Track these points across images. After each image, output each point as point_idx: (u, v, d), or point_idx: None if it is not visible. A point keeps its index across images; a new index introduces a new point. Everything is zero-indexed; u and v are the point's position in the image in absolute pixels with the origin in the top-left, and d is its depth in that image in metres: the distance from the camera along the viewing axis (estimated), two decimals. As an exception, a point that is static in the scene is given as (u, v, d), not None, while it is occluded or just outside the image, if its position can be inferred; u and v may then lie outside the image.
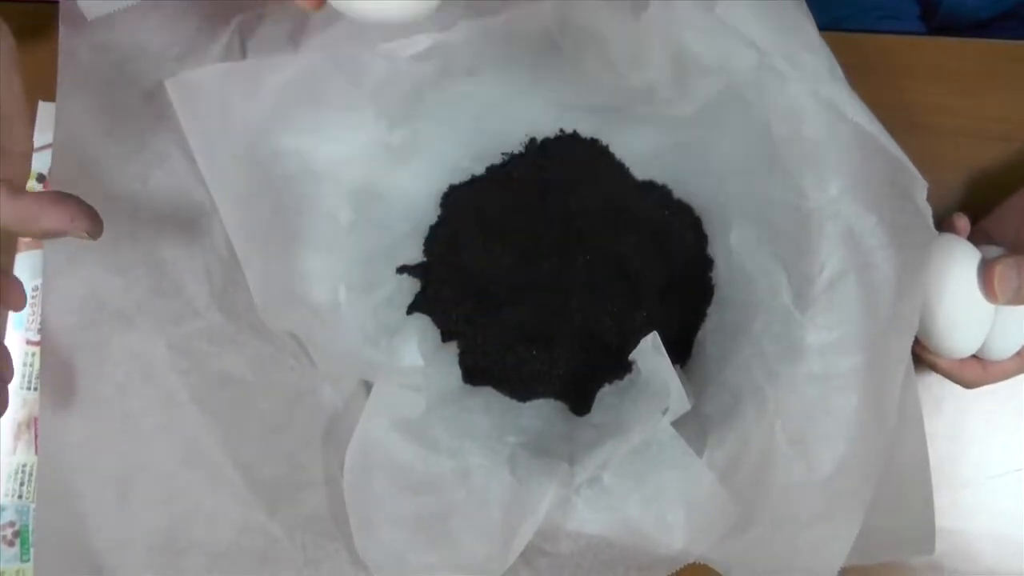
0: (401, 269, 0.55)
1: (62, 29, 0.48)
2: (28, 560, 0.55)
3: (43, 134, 0.58)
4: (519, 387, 0.55)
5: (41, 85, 0.56)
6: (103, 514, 0.46)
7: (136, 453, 0.46)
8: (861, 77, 0.61)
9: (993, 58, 0.66)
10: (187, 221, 0.48)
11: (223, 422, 0.47)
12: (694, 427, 0.48)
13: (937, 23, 0.83)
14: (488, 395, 0.54)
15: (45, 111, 0.57)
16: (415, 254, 0.56)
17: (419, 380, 0.49)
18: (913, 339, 0.46)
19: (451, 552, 0.45)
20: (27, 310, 0.58)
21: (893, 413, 0.45)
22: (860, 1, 0.82)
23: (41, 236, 0.40)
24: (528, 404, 0.54)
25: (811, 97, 0.45)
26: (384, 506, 0.46)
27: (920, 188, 0.44)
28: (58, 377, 0.46)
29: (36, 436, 0.57)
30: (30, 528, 0.56)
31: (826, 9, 0.80)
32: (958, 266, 0.51)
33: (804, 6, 0.46)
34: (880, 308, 0.46)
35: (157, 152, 0.48)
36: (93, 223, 0.40)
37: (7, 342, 0.51)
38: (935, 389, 0.58)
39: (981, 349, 0.53)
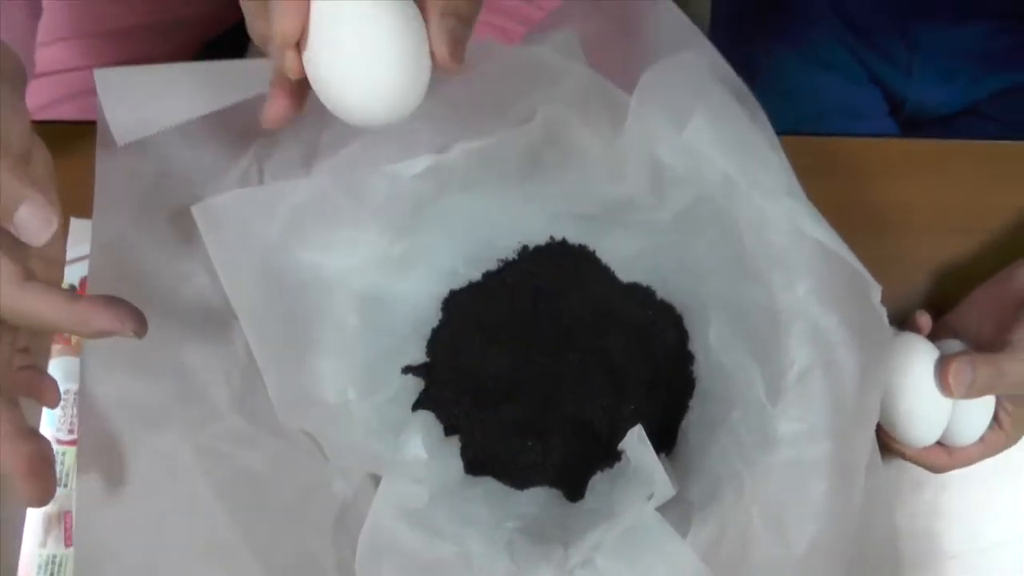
0: (406, 370, 0.59)
1: (99, 153, 0.52)
2: None
3: (74, 248, 0.63)
4: (516, 476, 0.58)
5: (72, 202, 0.61)
6: None
7: (163, 545, 0.49)
8: (829, 177, 0.67)
9: (951, 156, 0.71)
10: (210, 331, 0.52)
11: (243, 514, 0.50)
12: (679, 511, 0.51)
13: (904, 119, 0.89)
14: (488, 484, 0.57)
15: (75, 227, 0.62)
16: (419, 355, 0.60)
17: (423, 473, 0.53)
18: (875, 427, 0.49)
19: None
20: (59, 411, 0.62)
21: (859, 495, 0.48)
22: (830, 100, 0.88)
23: (91, 336, 0.45)
24: (525, 492, 0.58)
25: (774, 208, 0.49)
26: None
27: (875, 291, 0.48)
28: (92, 475, 0.49)
29: (66, 529, 0.61)
30: None
31: (797, 108, 0.87)
32: (917, 363, 0.56)
33: (760, 129, 0.51)
34: (844, 400, 0.49)
35: (183, 268, 0.52)
36: (139, 324, 0.45)
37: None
38: (915, 470, 0.61)
39: (945, 437, 0.57)
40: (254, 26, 0.42)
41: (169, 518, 0.50)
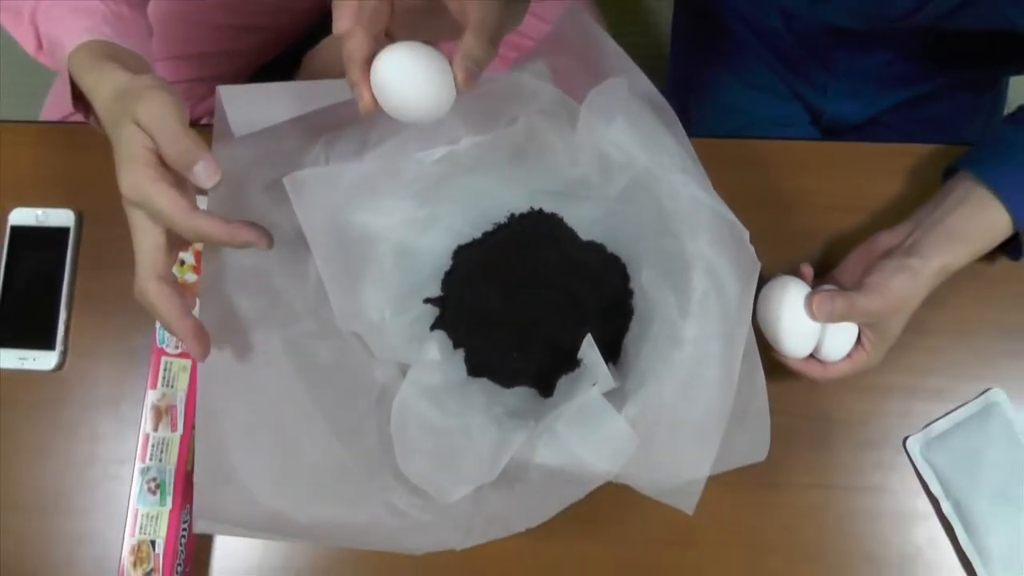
0: (426, 300, 0.76)
1: (214, 145, 0.68)
2: (165, 504, 0.78)
3: None
4: (504, 378, 0.75)
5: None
6: (238, 448, 0.67)
7: (260, 409, 0.68)
8: (757, 170, 0.84)
9: (850, 155, 0.86)
10: (292, 262, 0.70)
11: (314, 388, 0.68)
12: (618, 398, 0.67)
13: (823, 126, 1.02)
14: (484, 383, 0.75)
15: None
16: (435, 290, 0.77)
17: (438, 367, 0.73)
18: (748, 330, 0.64)
19: (458, 470, 0.66)
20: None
21: (736, 376, 0.64)
22: (763, 112, 1.02)
23: (240, 246, 0.61)
24: (511, 389, 0.75)
25: (680, 184, 0.66)
26: (416, 443, 0.67)
27: (745, 235, 0.64)
28: (210, 361, 0.66)
29: (172, 419, 0.79)
30: (167, 483, 0.78)
31: (738, 119, 1.02)
32: (793, 297, 0.72)
33: (666, 126, 0.67)
34: (728, 312, 0.65)
35: (273, 221, 0.68)
36: (269, 240, 0.62)
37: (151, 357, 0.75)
38: (812, 389, 0.78)
39: (819, 354, 0.73)
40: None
41: (264, 388, 0.68)
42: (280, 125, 0.69)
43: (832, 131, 1.04)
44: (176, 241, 0.63)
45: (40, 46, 0.75)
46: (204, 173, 0.61)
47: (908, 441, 0.79)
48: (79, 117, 0.77)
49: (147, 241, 0.62)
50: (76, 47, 0.69)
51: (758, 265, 0.65)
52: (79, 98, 0.73)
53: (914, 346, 0.80)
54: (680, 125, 0.69)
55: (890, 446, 0.80)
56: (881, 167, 0.85)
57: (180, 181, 0.62)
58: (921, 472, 0.79)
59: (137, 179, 0.60)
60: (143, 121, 0.61)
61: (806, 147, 0.89)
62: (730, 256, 0.67)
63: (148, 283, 0.62)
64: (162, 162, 0.61)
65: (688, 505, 0.66)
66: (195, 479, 0.67)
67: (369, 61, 0.58)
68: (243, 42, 1.14)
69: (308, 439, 0.68)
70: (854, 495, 0.79)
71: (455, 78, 0.59)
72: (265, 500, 0.67)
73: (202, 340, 0.64)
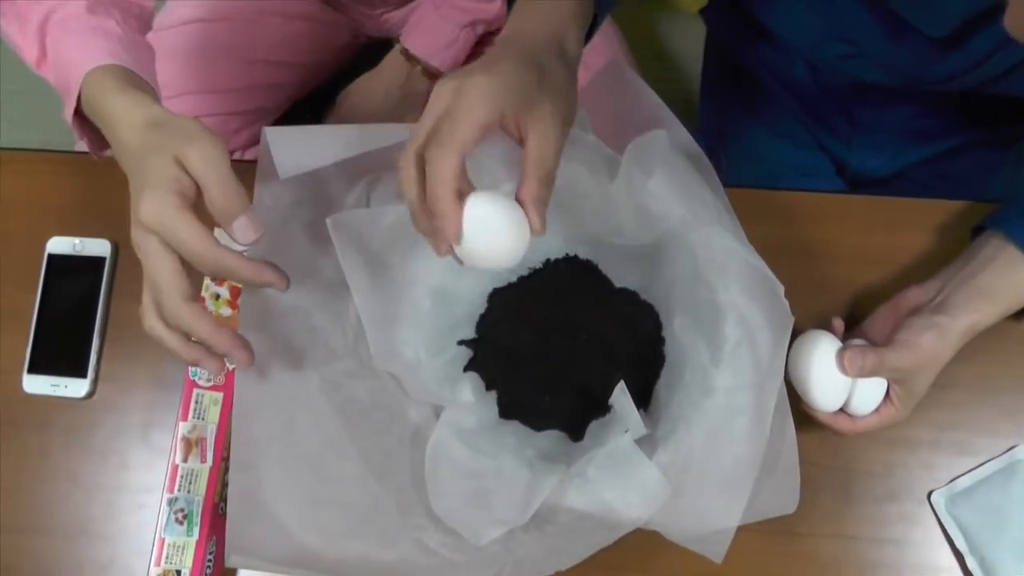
0: (461, 342, 0.77)
1: (257, 184, 0.70)
2: (192, 535, 0.78)
3: None
4: (536, 422, 0.75)
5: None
6: (273, 480, 0.68)
7: (295, 444, 0.69)
8: (780, 220, 0.84)
9: (877, 208, 0.86)
10: (332, 302, 0.71)
11: (350, 426, 0.69)
12: (649, 445, 0.68)
13: (848, 178, 1.02)
14: (515, 425, 0.75)
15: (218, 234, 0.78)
16: (470, 332, 0.78)
17: (472, 409, 0.73)
18: (780, 383, 0.65)
19: (491, 512, 0.66)
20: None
21: (768, 426, 0.64)
22: (786, 161, 1.02)
23: (259, 285, 0.61)
24: (541, 432, 0.75)
25: (715, 236, 0.67)
26: (449, 484, 0.67)
27: (780, 288, 0.65)
28: (248, 397, 0.68)
29: (202, 451, 0.79)
30: (194, 513, 0.78)
31: (760, 168, 1.02)
32: (824, 351, 0.72)
33: (704, 180, 0.68)
34: (760, 363, 0.66)
35: (312, 264, 0.71)
36: (287, 281, 0.62)
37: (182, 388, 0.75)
38: (836, 440, 0.77)
39: (848, 408, 0.73)
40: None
41: (299, 425, 0.69)
42: (322, 170, 0.71)
43: (857, 183, 1.04)
44: (190, 271, 0.62)
45: (43, 58, 0.74)
46: (245, 228, 0.60)
47: (933, 495, 0.79)
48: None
49: (164, 266, 0.60)
50: (93, 68, 0.69)
51: (792, 319, 0.66)
52: (79, 117, 0.72)
53: (939, 400, 0.79)
54: (716, 175, 0.71)
55: (913, 499, 0.79)
56: (908, 221, 0.85)
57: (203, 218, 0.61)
58: (946, 527, 0.78)
59: (162, 206, 0.59)
60: (193, 163, 0.60)
61: (832, 199, 0.89)
62: (763, 307, 0.67)
63: (179, 306, 0.60)
64: (188, 198, 0.60)
65: (717, 553, 0.66)
66: (228, 512, 0.68)
67: (463, 195, 0.59)
68: (281, 77, 1.15)
69: (342, 475, 0.69)
70: (876, 547, 0.78)
71: (530, 224, 0.61)
72: (296, 533, 0.68)
73: (246, 346, 0.63)
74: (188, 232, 0.59)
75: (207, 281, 0.83)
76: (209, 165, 0.60)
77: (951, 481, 0.79)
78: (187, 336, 0.63)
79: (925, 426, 0.80)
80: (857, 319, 0.80)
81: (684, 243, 0.70)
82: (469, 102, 0.59)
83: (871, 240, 0.85)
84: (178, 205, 0.59)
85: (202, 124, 0.63)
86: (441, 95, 0.60)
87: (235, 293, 0.83)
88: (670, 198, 0.68)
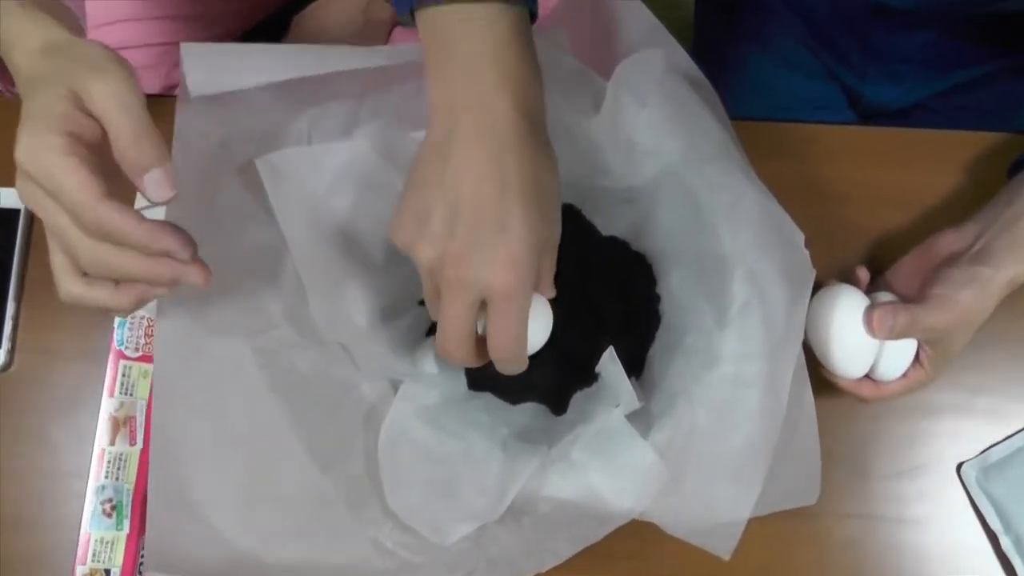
0: (422, 302, 0.66)
1: (178, 116, 0.61)
2: (122, 529, 0.70)
3: (141, 199, 0.69)
4: (511, 394, 0.68)
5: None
6: (201, 473, 0.59)
7: (226, 428, 0.60)
8: (789, 156, 0.77)
9: (895, 142, 0.79)
10: (267, 260, 0.62)
11: (290, 406, 0.60)
12: (643, 421, 0.61)
13: (861, 112, 0.96)
14: (487, 398, 0.67)
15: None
16: None
17: (435, 381, 0.64)
18: (799, 348, 0.58)
19: (456, 505, 0.59)
20: (127, 332, 0.72)
21: (784, 401, 0.57)
22: (795, 94, 0.95)
23: (155, 252, 0.51)
24: (518, 407, 0.67)
25: (720, 173, 0.59)
26: (408, 472, 0.60)
27: (799, 237, 0.57)
28: (169, 373, 0.59)
29: (131, 431, 0.71)
30: (124, 504, 0.70)
31: (768, 101, 0.95)
32: (849, 309, 0.64)
33: (709, 107, 0.60)
34: (775, 327, 0.58)
35: (246, 211, 0.62)
36: (193, 248, 0.52)
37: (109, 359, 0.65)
38: (852, 404, 0.69)
39: (873, 373, 0.66)
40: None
41: (231, 406, 0.60)
42: (257, 98, 0.61)
43: (871, 117, 0.97)
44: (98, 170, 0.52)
45: None
46: (159, 184, 0.51)
47: (963, 468, 0.72)
48: None
49: (65, 184, 0.50)
50: None
51: (813, 273, 0.58)
52: None
53: (969, 361, 0.72)
54: (722, 107, 0.62)
55: (940, 473, 0.73)
56: (933, 157, 0.79)
57: (98, 163, 0.51)
58: (977, 503, 0.72)
59: (41, 148, 0.50)
60: (97, 100, 0.51)
61: (849, 133, 0.81)
62: (777, 259, 0.59)
63: (95, 209, 0.50)
64: (80, 139, 0.51)
65: (724, 549, 0.59)
66: (148, 515, 0.59)
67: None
68: (228, 4, 1.05)
69: (282, 466, 0.60)
70: (898, 528, 0.72)
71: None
72: (231, 537, 0.59)
73: (192, 243, 0.53)
74: (68, 180, 0.49)
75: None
76: (116, 103, 0.51)
77: (983, 452, 0.73)
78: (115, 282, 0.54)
79: (954, 389, 0.74)
80: (879, 269, 0.72)
81: (683, 183, 0.62)
82: None
83: (893, 178, 0.78)
84: (60, 148, 0.49)
85: (110, 52, 0.53)
86: None
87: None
88: (667, 130, 0.60)
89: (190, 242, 0.53)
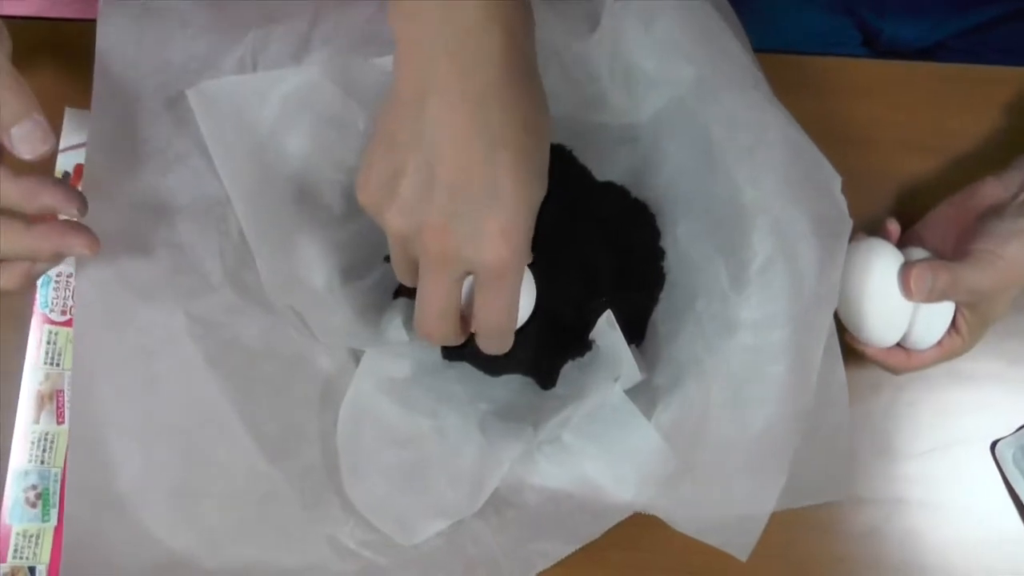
0: (388, 258, 0.59)
1: (99, 45, 0.54)
2: (48, 520, 0.61)
3: (68, 136, 0.64)
4: (490, 364, 0.59)
5: (67, 93, 0.62)
6: (128, 463, 0.51)
7: (157, 410, 0.52)
8: (804, 94, 0.68)
9: (921, 78, 0.72)
10: (204, 210, 0.54)
11: (233, 383, 0.52)
12: (646, 397, 0.53)
13: (879, 50, 0.89)
14: (463, 368, 0.59)
15: (70, 116, 0.63)
16: None
17: (404, 350, 0.56)
18: (832, 314, 0.51)
19: (427, 497, 0.52)
20: (52, 293, 0.64)
21: (814, 377, 0.50)
22: (808, 29, 0.88)
23: (36, 210, 0.46)
24: (499, 378, 0.60)
25: (742, 104, 0.51)
26: (371, 457, 0.52)
27: (836, 182, 0.50)
28: (90, 344, 0.51)
29: (58, 407, 0.63)
30: (50, 491, 0.62)
31: (778, 36, 0.87)
32: (882, 267, 0.57)
33: (729, 29, 0.52)
34: (803, 289, 0.51)
35: (178, 151, 0.53)
36: (83, 204, 0.46)
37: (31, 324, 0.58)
38: (873, 374, 0.63)
39: (905, 340, 0.59)
40: None
41: (163, 384, 0.52)
42: (191, 20, 0.54)
43: (889, 56, 0.89)
44: None
45: None
46: (28, 139, 0.45)
47: (998, 446, 0.66)
48: None
49: None
50: None
51: (850, 225, 0.51)
52: None
53: (1007, 327, 0.66)
54: (744, 34, 0.55)
55: (973, 451, 0.67)
56: (965, 95, 0.72)
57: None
58: (1013, 484, 0.66)
59: None
60: None
61: (871, 67, 0.74)
62: (807, 208, 0.52)
63: None
64: None
65: (741, 548, 0.53)
66: (66, 512, 0.51)
67: None
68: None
69: (224, 454, 0.52)
70: (925, 512, 0.66)
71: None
72: (163, 536, 0.51)
73: (78, 199, 0.47)
74: None
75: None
76: None
77: (1020, 428, 0.67)
78: None
79: (989, 358, 0.67)
80: (907, 221, 0.66)
81: (695, 117, 0.54)
82: None
83: (921, 119, 0.72)
84: None
85: None
86: None
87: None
88: (679, 55, 0.52)
89: (76, 197, 0.46)
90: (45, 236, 0.46)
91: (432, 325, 0.49)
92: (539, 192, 0.46)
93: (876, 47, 0.89)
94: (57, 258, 0.47)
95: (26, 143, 0.45)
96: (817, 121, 0.68)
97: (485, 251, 0.44)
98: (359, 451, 0.52)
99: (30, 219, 0.46)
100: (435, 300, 0.47)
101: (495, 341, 0.51)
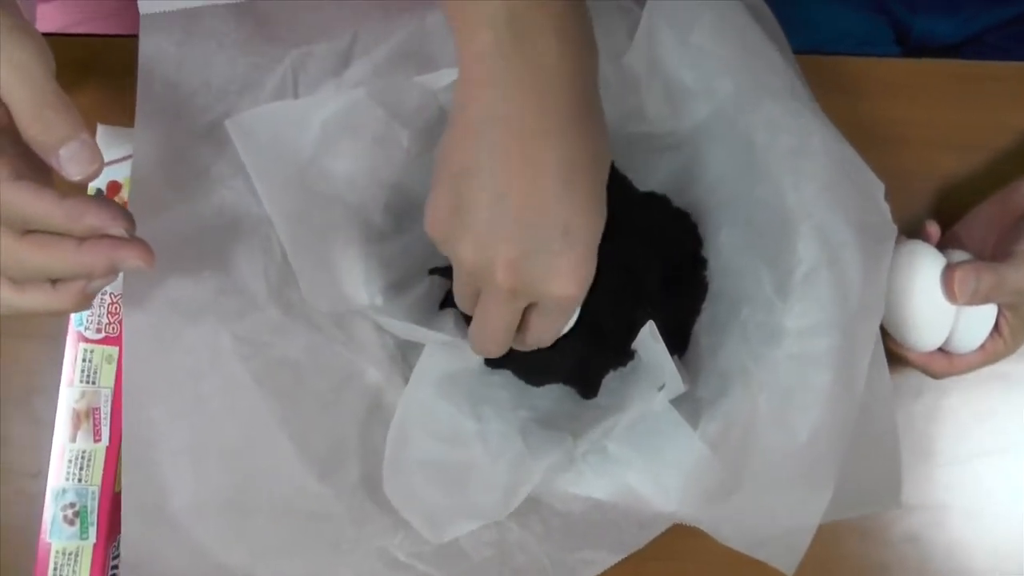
0: (433, 271, 0.60)
1: (141, 66, 0.54)
2: (87, 538, 0.61)
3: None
4: (532, 374, 0.59)
5: (99, 110, 0.62)
6: (179, 482, 0.51)
7: (206, 429, 0.52)
8: (837, 95, 0.67)
9: (954, 76, 0.71)
10: (247, 231, 0.54)
11: (280, 401, 0.52)
12: (689, 409, 0.52)
13: (911, 47, 0.88)
14: (505, 375, 0.59)
15: (102, 133, 0.62)
16: (445, 258, 0.61)
17: (456, 355, 0.55)
18: (879, 323, 0.51)
19: (461, 498, 0.52)
20: (86, 311, 0.63)
21: (861, 386, 0.50)
22: (839, 28, 0.87)
23: (83, 232, 0.45)
24: (541, 388, 0.59)
25: (783, 111, 0.51)
26: (414, 451, 0.52)
27: (879, 189, 0.50)
28: (138, 368, 0.51)
29: (95, 425, 0.62)
30: (88, 509, 0.61)
31: (809, 36, 0.86)
32: (924, 270, 0.57)
33: (767, 34, 0.52)
34: (849, 297, 0.51)
35: (220, 173, 0.54)
36: (130, 223, 0.46)
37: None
38: (914, 378, 0.63)
39: (947, 344, 0.58)
40: None
41: (211, 403, 0.52)
42: (230, 38, 0.53)
43: (921, 53, 0.88)
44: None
45: None
46: (76, 159, 0.44)
47: None
48: None
49: None
50: None
51: (894, 231, 0.51)
52: None
53: None
54: (785, 39, 0.54)
55: (1019, 457, 0.65)
56: (1003, 94, 0.70)
57: (9, 148, 0.46)
58: None
59: None
60: None
61: (903, 66, 0.73)
62: (851, 215, 0.52)
63: (11, 192, 0.44)
64: None
65: (787, 562, 0.52)
66: (123, 530, 0.51)
67: None
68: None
69: (273, 471, 0.52)
70: (970, 520, 0.64)
71: None
72: (217, 552, 0.51)
73: (129, 218, 0.46)
74: None
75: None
76: (13, 75, 0.44)
77: None
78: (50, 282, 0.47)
79: None
80: (944, 223, 0.64)
81: (736, 125, 0.54)
82: None
83: (957, 118, 0.70)
84: None
85: (6, 17, 0.46)
86: None
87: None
88: (718, 63, 0.52)
89: (122, 215, 0.46)
90: (98, 252, 0.45)
91: (490, 347, 0.49)
92: (603, 223, 0.46)
93: (907, 44, 0.88)
94: (112, 273, 0.47)
95: (75, 164, 0.44)
96: (850, 122, 0.67)
97: (555, 287, 0.44)
98: (405, 443, 0.52)
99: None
100: (498, 326, 0.48)
101: (533, 348, 0.51)
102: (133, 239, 0.46)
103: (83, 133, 0.44)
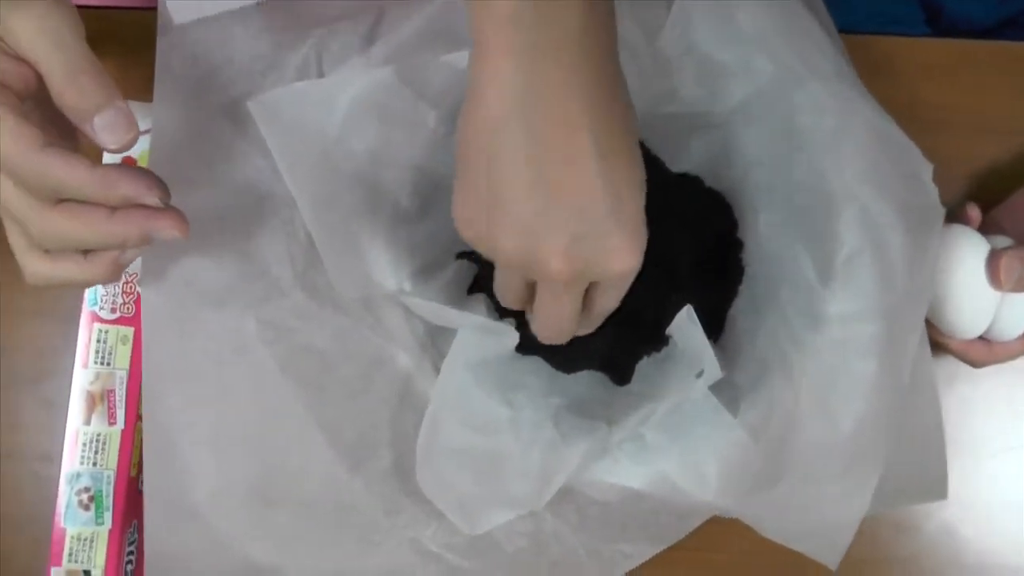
0: (461, 254, 0.58)
1: (160, 41, 0.52)
2: (103, 523, 0.59)
3: None
4: (565, 360, 0.58)
5: (120, 84, 0.61)
6: (202, 471, 0.50)
7: (230, 417, 0.51)
8: (871, 76, 0.63)
9: (994, 58, 0.69)
10: (270, 213, 0.52)
11: (307, 388, 0.51)
12: (727, 396, 0.51)
13: (942, 28, 0.85)
14: (536, 361, 0.57)
15: None
16: None
17: (488, 341, 0.53)
18: (925, 309, 0.50)
19: (495, 487, 0.50)
20: (101, 290, 0.61)
21: (906, 374, 0.48)
22: (868, 8, 0.83)
23: (117, 202, 0.44)
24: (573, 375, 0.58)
25: (826, 92, 0.49)
26: (447, 439, 0.51)
27: (926, 170, 0.48)
28: (159, 353, 0.50)
29: (109, 408, 0.61)
30: (103, 494, 0.60)
31: (835, 14, 0.84)
32: (967, 255, 0.55)
33: (814, 14, 0.50)
34: (894, 281, 0.49)
35: (242, 152, 0.52)
36: (164, 192, 0.44)
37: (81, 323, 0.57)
38: (948, 366, 0.61)
39: (988, 331, 0.57)
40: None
41: (236, 390, 0.50)
42: (253, 16, 0.52)
43: (952, 34, 0.85)
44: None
45: None
46: (111, 127, 0.43)
47: None
48: None
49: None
50: None
51: (942, 214, 0.49)
52: None
53: None
54: (828, 14, 0.53)
55: None
56: None
57: (38, 113, 0.44)
58: None
59: None
60: (21, 38, 0.43)
61: (938, 47, 0.71)
62: (896, 197, 0.50)
63: (37, 162, 0.42)
64: (4, 87, 0.43)
65: (831, 556, 0.51)
66: (145, 522, 0.50)
67: None
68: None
69: (300, 461, 0.51)
70: (1006, 513, 0.63)
71: None
72: (242, 544, 0.50)
73: (163, 187, 0.45)
74: None
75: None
76: (46, 40, 0.43)
77: None
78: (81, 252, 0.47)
79: None
80: (984, 207, 0.62)
81: (776, 107, 0.52)
82: None
83: (996, 101, 0.68)
84: None
85: None
86: None
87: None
88: (760, 43, 0.50)
89: (156, 184, 0.44)
90: (131, 221, 0.44)
91: (554, 336, 0.48)
92: (644, 186, 0.44)
93: (938, 25, 0.86)
94: (145, 243, 0.45)
95: (110, 132, 0.43)
96: (884, 104, 0.66)
97: (614, 264, 0.42)
98: (436, 432, 0.50)
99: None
100: (562, 315, 0.46)
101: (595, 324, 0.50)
102: (167, 208, 0.45)
103: (119, 100, 0.43)
